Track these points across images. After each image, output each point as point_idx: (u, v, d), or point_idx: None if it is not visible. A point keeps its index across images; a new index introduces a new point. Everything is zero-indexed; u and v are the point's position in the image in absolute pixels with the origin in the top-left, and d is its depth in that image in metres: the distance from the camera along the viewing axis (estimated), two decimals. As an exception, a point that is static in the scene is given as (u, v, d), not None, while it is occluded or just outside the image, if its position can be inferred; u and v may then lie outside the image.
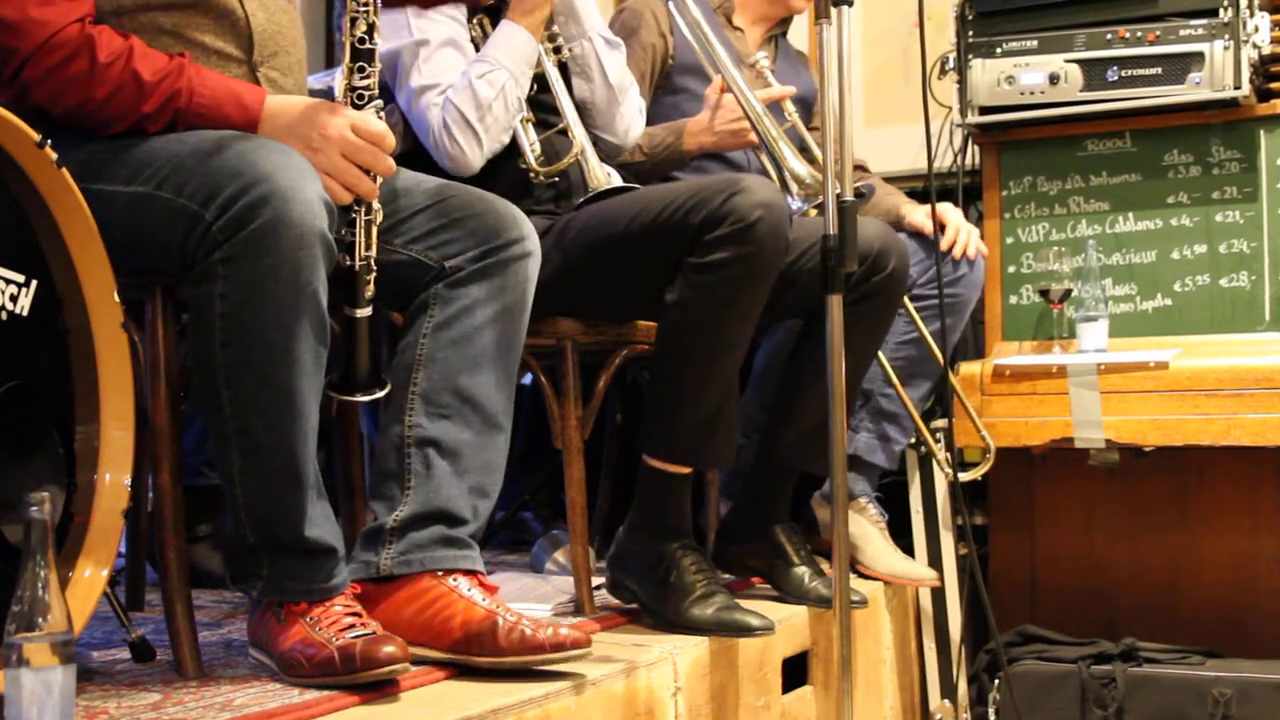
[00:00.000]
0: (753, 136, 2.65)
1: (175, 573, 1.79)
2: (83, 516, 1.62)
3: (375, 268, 1.84)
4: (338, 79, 1.84)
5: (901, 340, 2.84)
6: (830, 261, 1.91)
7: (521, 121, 2.35)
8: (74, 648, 1.30)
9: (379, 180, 1.80)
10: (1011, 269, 3.25)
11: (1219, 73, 2.94)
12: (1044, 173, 3.24)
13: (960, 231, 2.95)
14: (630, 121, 2.56)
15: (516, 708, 1.67)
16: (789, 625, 2.36)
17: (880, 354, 2.74)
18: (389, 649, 1.64)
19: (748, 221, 2.08)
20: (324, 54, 4.10)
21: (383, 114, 1.81)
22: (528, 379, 2.92)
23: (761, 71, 2.79)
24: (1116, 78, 3.04)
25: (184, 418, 1.95)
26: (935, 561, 2.98)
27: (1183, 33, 2.98)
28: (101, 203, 1.64)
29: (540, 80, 2.38)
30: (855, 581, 2.68)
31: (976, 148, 3.37)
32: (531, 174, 2.34)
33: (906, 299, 2.74)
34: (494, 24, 2.38)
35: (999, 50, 3.13)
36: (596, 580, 2.35)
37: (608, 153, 2.54)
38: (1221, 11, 2.95)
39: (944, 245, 2.91)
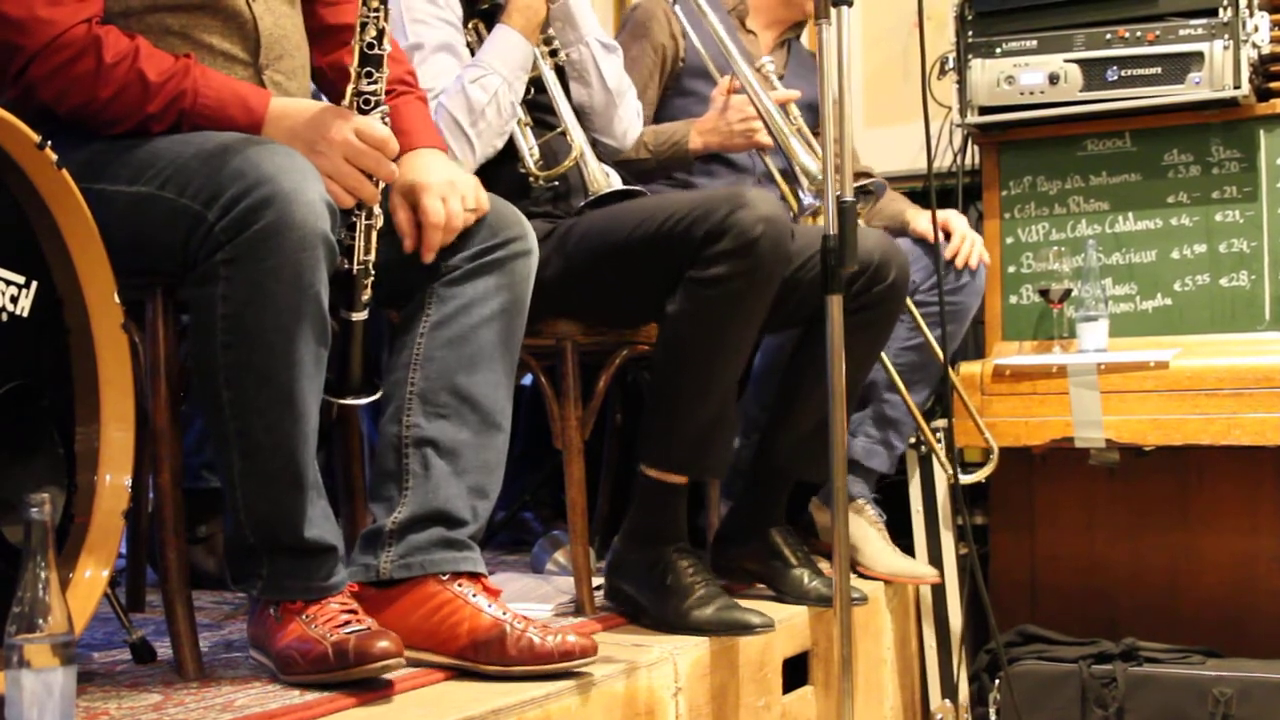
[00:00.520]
0: (760, 137, 2.65)
1: (175, 574, 1.79)
2: (83, 517, 1.62)
3: (374, 272, 1.84)
4: None
5: (904, 345, 2.84)
6: (830, 262, 1.90)
7: (520, 125, 2.35)
8: (74, 649, 1.30)
9: (380, 185, 1.81)
10: (1011, 269, 3.25)
11: (1218, 72, 2.94)
12: (1044, 173, 3.24)
13: (965, 240, 2.94)
14: (628, 125, 2.56)
15: (517, 708, 1.67)
16: (789, 625, 2.36)
17: (884, 355, 2.74)
18: (383, 644, 1.64)
19: (750, 236, 2.08)
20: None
21: (387, 120, 1.82)
22: (528, 379, 2.92)
23: (768, 75, 2.80)
24: (1116, 77, 3.04)
25: (183, 418, 1.95)
26: (935, 561, 2.98)
27: (1182, 32, 2.99)
28: (104, 203, 1.65)
29: (537, 83, 2.39)
30: (855, 581, 2.68)
31: (976, 148, 3.37)
32: (531, 178, 2.34)
33: (910, 302, 2.73)
34: (489, 28, 2.38)
35: (999, 50, 3.13)
36: (597, 580, 2.35)
37: (607, 154, 2.54)
38: (1221, 11, 2.95)
39: (948, 254, 2.91)
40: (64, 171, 1.55)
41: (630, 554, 2.26)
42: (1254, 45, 2.96)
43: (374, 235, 1.83)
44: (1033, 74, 3.10)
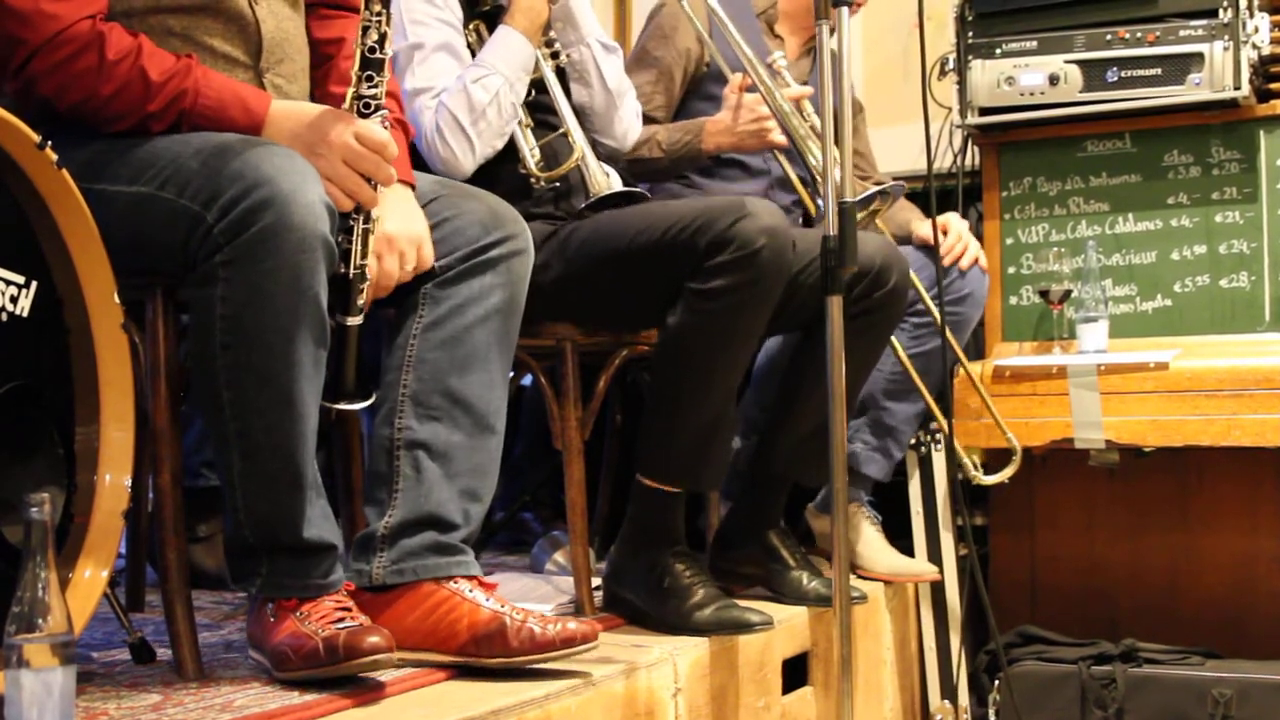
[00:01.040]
0: (774, 137, 2.64)
1: (175, 574, 1.79)
2: (83, 517, 1.62)
3: (370, 276, 1.84)
4: None
5: (907, 351, 2.83)
6: (830, 263, 1.90)
7: (520, 126, 2.36)
8: (74, 649, 1.30)
9: (379, 189, 1.80)
10: (1011, 270, 3.26)
11: (1219, 73, 2.95)
12: (1044, 173, 3.24)
13: (959, 240, 2.94)
14: (628, 125, 2.56)
15: (517, 708, 1.67)
16: (789, 626, 2.36)
17: (899, 349, 2.74)
18: (373, 639, 1.63)
19: (752, 248, 2.08)
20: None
21: (387, 124, 1.82)
22: (528, 380, 2.92)
23: (780, 70, 2.79)
24: (1116, 78, 3.04)
25: (184, 418, 1.95)
26: (935, 562, 2.98)
27: (1182, 33, 2.99)
28: (103, 203, 1.65)
29: (538, 84, 2.39)
30: (854, 581, 2.68)
31: (976, 148, 3.37)
32: (532, 179, 2.34)
33: (931, 301, 2.72)
34: (491, 30, 2.38)
35: (999, 51, 3.13)
36: (596, 581, 2.35)
37: (608, 155, 2.54)
38: (1221, 12, 2.95)
39: (943, 252, 2.90)
40: (64, 171, 1.55)
41: (628, 560, 2.26)
42: (1254, 46, 2.96)
43: (371, 240, 1.82)
44: (1033, 75, 3.10)
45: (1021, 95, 3.11)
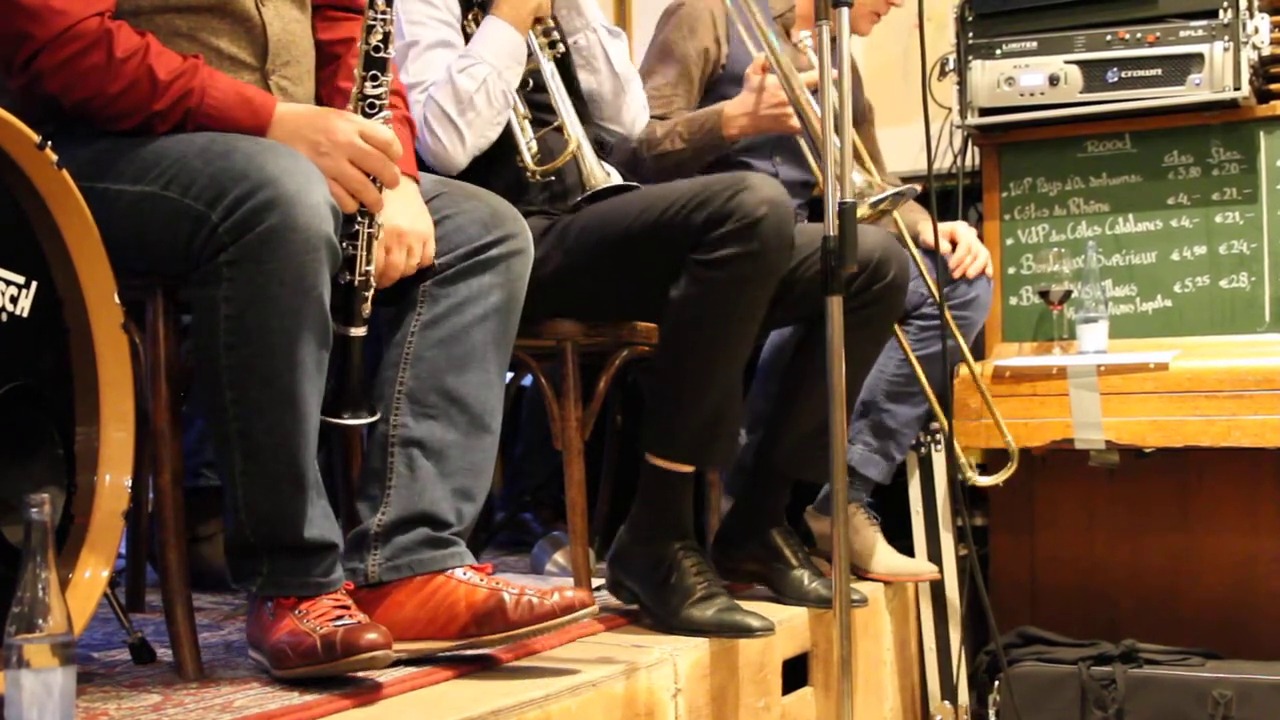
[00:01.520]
0: (791, 122, 2.63)
1: (175, 574, 1.79)
2: (83, 517, 1.62)
3: (375, 284, 1.83)
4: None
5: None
6: (830, 262, 1.90)
7: (517, 119, 2.35)
8: (74, 649, 1.30)
9: (384, 191, 1.80)
10: (1011, 270, 3.25)
11: (1219, 74, 2.95)
12: (1044, 174, 3.24)
13: (968, 252, 2.93)
14: (636, 112, 2.56)
15: (517, 708, 1.67)
16: (789, 626, 2.36)
17: (906, 345, 2.74)
18: (370, 636, 1.63)
19: (753, 218, 2.08)
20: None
21: (390, 124, 1.82)
22: (528, 380, 2.92)
23: (804, 50, 2.77)
24: (1116, 79, 3.04)
25: (183, 419, 1.95)
26: (935, 562, 2.98)
27: (1182, 34, 2.99)
28: (106, 201, 1.65)
29: (536, 78, 2.38)
30: (855, 582, 2.67)
31: (976, 149, 3.37)
32: (529, 173, 2.34)
33: (947, 301, 2.72)
34: None
35: (999, 51, 3.13)
36: (596, 581, 2.35)
37: (615, 144, 2.53)
38: (1221, 13, 2.95)
39: (953, 264, 2.91)
40: (64, 171, 1.55)
41: (634, 548, 2.25)
42: (1254, 47, 2.96)
43: (375, 245, 1.82)
44: (1033, 75, 3.10)
45: (1022, 96, 3.11)
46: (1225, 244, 3.08)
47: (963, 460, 2.85)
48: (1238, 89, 2.94)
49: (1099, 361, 2.96)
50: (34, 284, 1.56)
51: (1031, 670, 2.95)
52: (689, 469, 2.24)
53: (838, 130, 1.92)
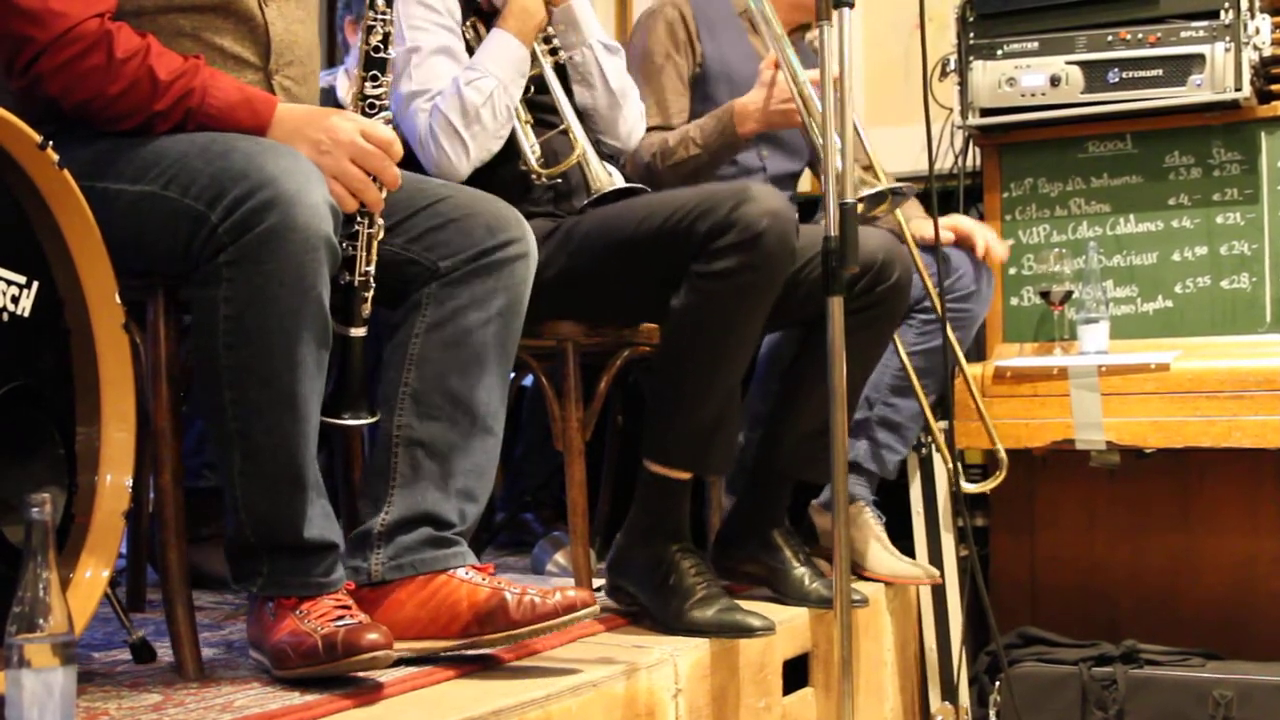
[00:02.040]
0: (799, 118, 2.63)
1: (176, 574, 1.79)
2: (84, 517, 1.62)
3: (374, 284, 1.83)
4: (340, 80, 1.85)
5: (910, 350, 2.83)
6: (831, 263, 1.90)
7: (521, 123, 2.35)
8: (75, 649, 1.30)
9: (385, 192, 1.80)
10: (1012, 271, 3.25)
11: (1220, 75, 2.95)
12: (1045, 174, 3.24)
13: (979, 235, 2.93)
14: (632, 125, 2.56)
15: (517, 708, 1.67)
16: (789, 627, 2.36)
17: (900, 348, 2.74)
18: (371, 636, 1.64)
19: (755, 230, 2.08)
20: (326, 54, 4.10)
21: (391, 124, 1.82)
22: (529, 380, 2.92)
23: (816, 50, 2.76)
24: (1117, 80, 3.04)
25: (184, 419, 1.95)
26: (936, 563, 2.98)
27: (1184, 35, 2.99)
28: (106, 201, 1.65)
29: (539, 82, 2.38)
30: (856, 583, 2.67)
31: (977, 149, 3.37)
32: (534, 176, 2.34)
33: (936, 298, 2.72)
34: (488, 28, 2.38)
35: (1000, 52, 3.13)
36: (597, 581, 2.35)
37: (626, 160, 2.54)
38: (1222, 14, 2.95)
39: (980, 252, 2.90)
40: (65, 171, 1.55)
41: (633, 551, 2.26)
42: (1255, 48, 2.96)
43: (375, 245, 1.82)
44: (1034, 76, 3.10)
45: (1023, 96, 3.11)
46: (1226, 245, 3.08)
47: (951, 467, 2.85)
48: (1239, 90, 2.94)
49: (1100, 362, 2.96)
50: (35, 284, 1.56)
51: (1032, 671, 2.95)
52: (687, 476, 2.24)
53: (838, 130, 1.92)
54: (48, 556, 1.29)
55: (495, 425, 1.94)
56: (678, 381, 2.19)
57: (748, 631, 2.15)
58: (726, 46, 2.88)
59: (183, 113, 1.72)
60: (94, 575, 1.61)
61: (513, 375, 2.07)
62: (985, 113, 3.16)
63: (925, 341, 2.84)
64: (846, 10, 1.92)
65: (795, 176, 2.98)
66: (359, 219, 1.80)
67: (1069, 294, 3.10)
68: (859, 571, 2.80)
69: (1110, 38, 3.05)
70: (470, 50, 2.37)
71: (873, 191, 2.41)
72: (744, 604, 2.20)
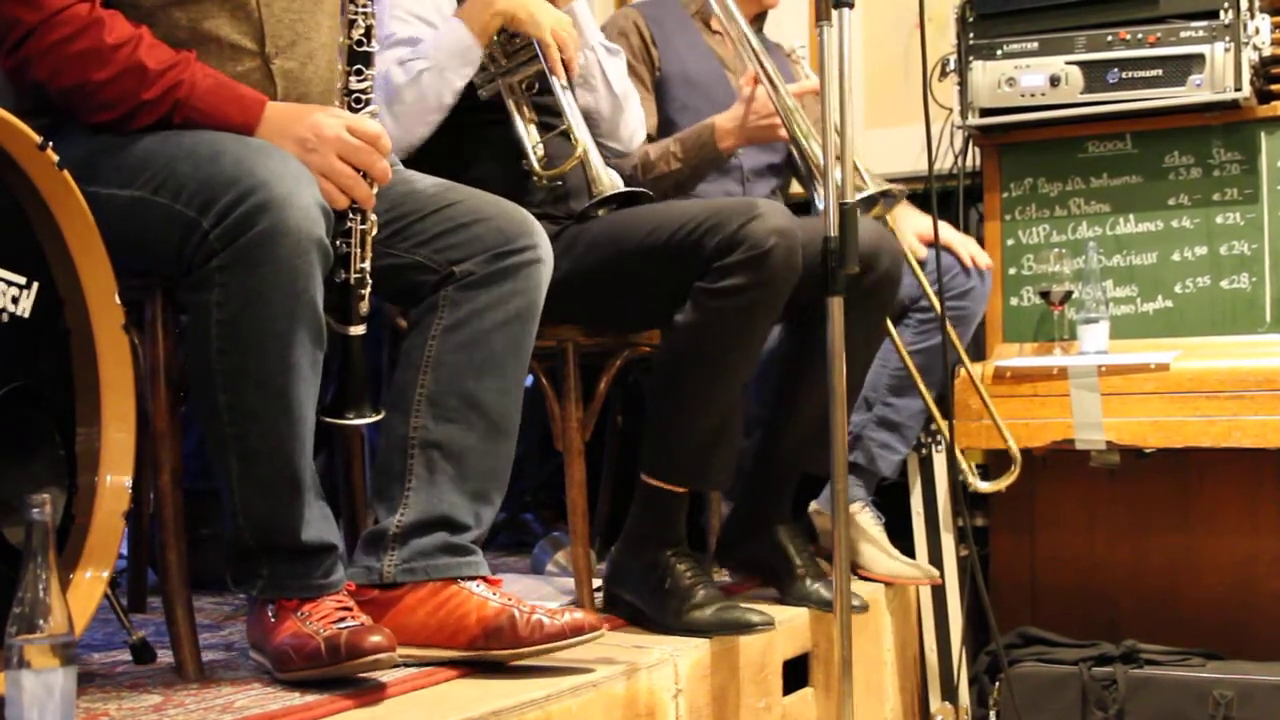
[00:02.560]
0: (781, 132, 2.63)
1: (176, 575, 1.79)
2: (84, 518, 1.62)
3: (370, 281, 1.83)
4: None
5: (909, 349, 2.83)
6: (831, 263, 1.90)
7: (524, 122, 2.34)
8: (74, 649, 1.30)
9: (375, 188, 1.80)
10: (1012, 271, 3.25)
11: (1219, 75, 2.94)
12: (1045, 174, 3.24)
13: (962, 249, 2.94)
14: (634, 128, 2.56)
15: (517, 709, 1.67)
16: (790, 627, 2.36)
17: (900, 347, 2.74)
18: (374, 638, 1.63)
19: (763, 249, 2.08)
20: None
21: (378, 119, 1.81)
22: (529, 380, 2.91)
23: (798, 61, 2.76)
24: (1117, 80, 3.04)
25: (184, 420, 1.95)
26: (936, 563, 2.98)
27: (1183, 35, 2.98)
28: (96, 206, 1.64)
29: (542, 81, 2.37)
30: (856, 585, 2.68)
31: (977, 149, 3.37)
32: (535, 176, 2.33)
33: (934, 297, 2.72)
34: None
35: (999, 52, 3.13)
36: (598, 582, 2.35)
37: (620, 164, 2.53)
38: (1222, 14, 2.95)
39: (965, 259, 2.91)
40: (65, 172, 1.55)
41: (628, 560, 2.26)
42: (1255, 48, 2.96)
43: (369, 242, 1.82)
44: (1034, 76, 3.10)
45: (1022, 96, 3.11)
46: (1226, 245, 3.08)
47: (964, 465, 2.85)
48: (1238, 90, 2.93)
49: (1100, 362, 2.96)
50: (35, 285, 1.56)
51: (1032, 671, 2.95)
52: (684, 490, 2.24)
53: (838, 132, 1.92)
54: (48, 557, 1.29)
55: (510, 429, 1.94)
56: (677, 396, 2.19)
57: (747, 628, 2.15)
58: (683, 49, 2.88)
59: (170, 104, 1.71)
60: (94, 576, 1.61)
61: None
62: (985, 113, 3.16)
63: (923, 340, 2.84)
64: (846, 10, 1.92)
65: (775, 168, 2.97)
66: (351, 216, 1.79)
67: (1069, 294, 3.10)
68: (859, 571, 2.80)
69: (1110, 38, 3.05)
70: None
71: (865, 195, 2.41)
72: (743, 602, 2.20)
